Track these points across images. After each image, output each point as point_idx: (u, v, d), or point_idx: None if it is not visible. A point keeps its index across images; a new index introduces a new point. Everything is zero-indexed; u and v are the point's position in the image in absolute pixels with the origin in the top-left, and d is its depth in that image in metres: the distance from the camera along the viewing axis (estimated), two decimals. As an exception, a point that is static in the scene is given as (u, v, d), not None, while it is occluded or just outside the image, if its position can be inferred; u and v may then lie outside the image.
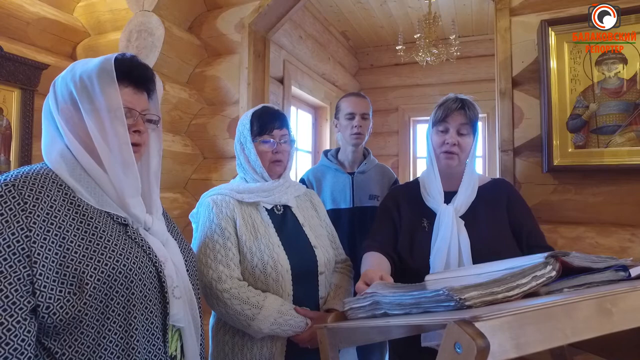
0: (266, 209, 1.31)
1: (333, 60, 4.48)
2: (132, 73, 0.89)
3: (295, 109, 3.88)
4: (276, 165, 1.32)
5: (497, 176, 1.62)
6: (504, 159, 1.62)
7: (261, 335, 1.20)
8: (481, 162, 4.39)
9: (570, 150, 1.44)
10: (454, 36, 3.42)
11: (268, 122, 1.31)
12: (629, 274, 0.72)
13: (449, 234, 1.21)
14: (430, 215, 1.29)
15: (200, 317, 0.99)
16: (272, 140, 1.30)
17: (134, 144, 0.88)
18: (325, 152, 2.00)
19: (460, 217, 1.25)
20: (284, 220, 1.32)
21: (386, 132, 4.91)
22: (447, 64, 4.09)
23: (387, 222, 1.36)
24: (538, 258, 0.65)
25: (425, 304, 0.58)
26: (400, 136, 4.82)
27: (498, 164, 1.65)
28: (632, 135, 1.38)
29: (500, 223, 1.26)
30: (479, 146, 1.68)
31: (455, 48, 3.48)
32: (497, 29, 1.70)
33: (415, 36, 3.48)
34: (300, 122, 4.02)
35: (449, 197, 1.29)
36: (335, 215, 1.79)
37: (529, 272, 0.62)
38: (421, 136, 5.01)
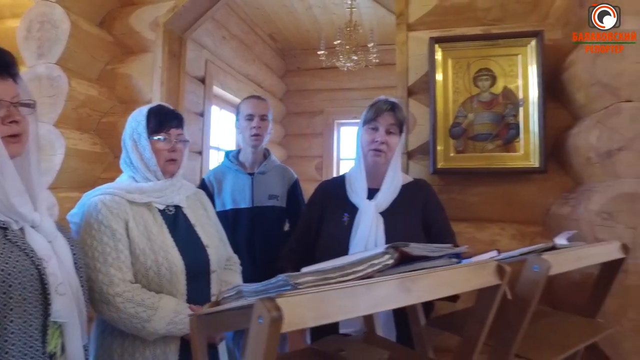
0: (158, 210, 1.30)
1: (259, 61, 4.52)
2: None
3: (218, 108, 3.86)
4: (171, 164, 1.31)
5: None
6: (400, 162, 1.77)
7: (156, 337, 1.19)
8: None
9: (452, 154, 1.62)
10: (372, 44, 3.60)
11: (166, 120, 1.31)
12: (460, 260, 0.85)
13: (368, 229, 1.31)
14: (353, 210, 1.38)
15: (87, 310, 0.99)
16: (168, 138, 1.30)
17: (13, 136, 0.86)
18: (227, 154, 2.05)
19: (381, 213, 1.35)
20: (176, 221, 1.33)
21: (311, 133, 5.04)
22: (370, 69, 4.29)
23: (308, 222, 1.45)
24: (380, 249, 0.75)
25: (271, 290, 0.66)
26: (324, 138, 4.98)
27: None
28: (500, 142, 1.59)
29: (415, 221, 1.38)
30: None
31: (374, 56, 3.67)
32: (397, 42, 1.85)
33: (335, 42, 3.62)
34: (223, 122, 4.00)
35: (372, 194, 1.38)
36: (235, 214, 1.86)
37: (367, 260, 0.71)
38: (345, 138, 5.20)
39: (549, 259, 0.79)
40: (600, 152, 1.36)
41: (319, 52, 3.75)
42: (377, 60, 3.77)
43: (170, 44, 2.22)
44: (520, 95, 1.60)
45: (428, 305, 1.33)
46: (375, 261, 0.72)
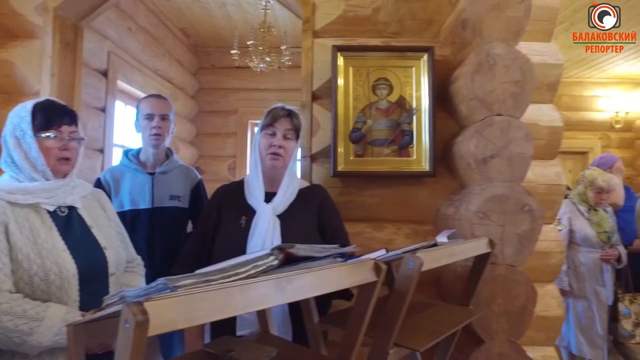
0: (48, 211, 1.21)
1: (170, 56, 4.33)
2: None
3: (123, 104, 3.64)
4: (63, 163, 1.23)
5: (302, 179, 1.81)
6: (304, 165, 1.82)
7: (39, 351, 1.09)
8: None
9: (351, 158, 1.71)
10: (285, 47, 3.64)
11: (56, 116, 1.21)
12: (346, 259, 0.91)
13: (265, 231, 1.33)
14: (250, 213, 1.38)
15: None
16: (59, 136, 1.21)
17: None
18: (126, 152, 1.96)
19: (278, 216, 1.37)
20: (70, 223, 1.25)
21: (224, 133, 4.95)
22: (285, 71, 4.32)
23: (205, 226, 1.43)
24: (264, 250, 0.78)
25: (152, 294, 0.65)
26: (238, 138, 4.92)
27: (300, 169, 1.85)
28: (395, 148, 1.71)
29: (311, 223, 1.43)
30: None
31: (287, 58, 3.71)
32: (303, 48, 1.90)
33: (248, 42, 3.60)
34: (129, 118, 3.77)
35: (270, 197, 1.40)
36: (133, 215, 1.79)
37: (251, 262, 0.74)
38: (260, 139, 5.18)
39: (422, 256, 0.88)
40: (477, 159, 1.53)
41: (232, 52, 3.70)
42: (290, 63, 3.82)
43: (62, 32, 2.05)
44: (414, 104, 1.74)
45: (325, 304, 1.39)
46: (260, 262, 0.75)
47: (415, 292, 1.70)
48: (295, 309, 1.24)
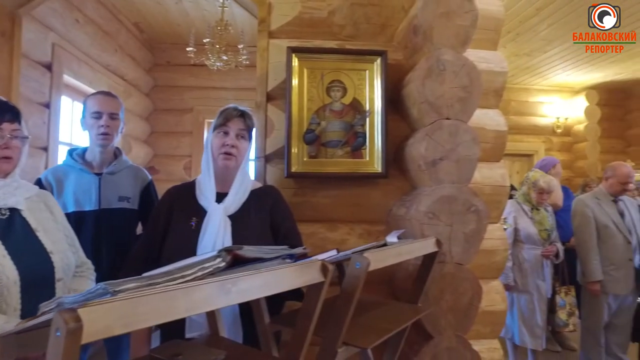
0: None
1: (122, 51, 4.17)
2: None
3: (70, 99, 3.46)
4: (4, 162, 1.17)
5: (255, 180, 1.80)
6: (258, 165, 1.81)
7: None
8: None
9: (305, 159, 1.72)
10: (242, 46, 3.60)
11: None
12: (295, 260, 0.91)
13: (216, 232, 1.31)
14: (201, 214, 1.36)
15: None
16: (0, 134, 1.15)
17: None
18: (70, 151, 1.87)
19: (229, 216, 1.35)
20: (11, 226, 1.18)
21: (180, 132, 4.84)
22: (242, 70, 4.28)
23: (154, 228, 1.40)
24: (212, 252, 0.77)
25: (91, 299, 0.63)
26: (194, 137, 4.82)
27: (254, 170, 1.83)
28: (349, 149, 1.74)
29: (264, 224, 1.42)
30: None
31: (244, 57, 3.67)
32: (258, 48, 1.89)
33: (204, 40, 3.53)
34: (77, 115, 3.60)
35: (222, 198, 1.38)
36: (78, 217, 1.71)
37: (198, 264, 0.73)
38: (217, 138, 5.10)
39: (369, 256, 0.90)
40: (427, 161, 1.58)
41: (187, 49, 3.61)
42: (247, 62, 3.78)
43: (-2, 21, 1.93)
44: (367, 107, 1.78)
45: (278, 304, 1.39)
46: (207, 264, 0.74)
47: (368, 292, 1.73)
48: (247, 310, 1.24)
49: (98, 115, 1.79)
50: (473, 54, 1.99)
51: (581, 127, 6.81)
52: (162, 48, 5.00)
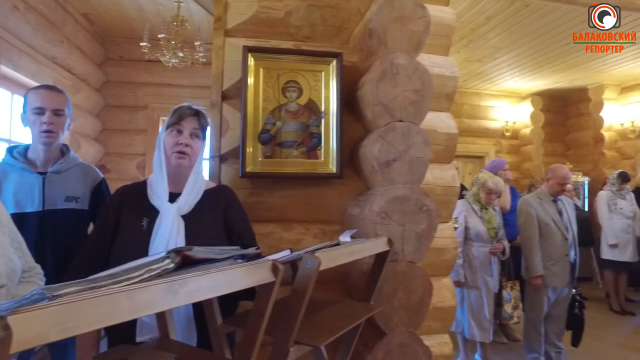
0: None
1: (69, 43, 3.97)
2: None
3: (9, 92, 3.26)
4: None
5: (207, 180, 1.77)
6: (212, 165, 1.79)
7: None
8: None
9: (260, 159, 1.72)
10: (199, 43, 3.53)
11: None
12: (247, 260, 0.91)
13: (168, 232, 1.27)
14: (153, 214, 1.32)
15: None
16: None
17: None
18: (10, 150, 1.76)
19: (182, 216, 1.32)
20: None
21: (133, 129, 4.67)
22: (200, 67, 4.18)
23: (102, 229, 1.34)
24: (160, 254, 0.76)
25: (26, 305, 0.60)
26: (148, 135, 4.66)
27: (209, 169, 1.80)
28: (304, 150, 1.75)
29: (217, 224, 1.40)
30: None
31: (201, 55, 3.60)
32: (214, 46, 1.86)
33: (159, 36, 3.43)
34: (17, 109, 3.39)
35: (175, 198, 1.35)
36: (19, 219, 1.61)
37: (145, 266, 0.71)
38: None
39: (321, 256, 0.91)
40: (381, 162, 1.62)
41: (141, 44, 3.49)
42: (204, 60, 3.71)
43: None
44: (323, 108, 1.79)
45: (232, 305, 1.38)
46: (154, 266, 0.73)
47: (324, 291, 1.75)
48: (202, 312, 1.22)
49: (40, 111, 1.70)
50: (426, 59, 2.06)
51: (527, 131, 7.21)
52: (114, 42, 4.80)
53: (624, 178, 5.15)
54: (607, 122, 6.77)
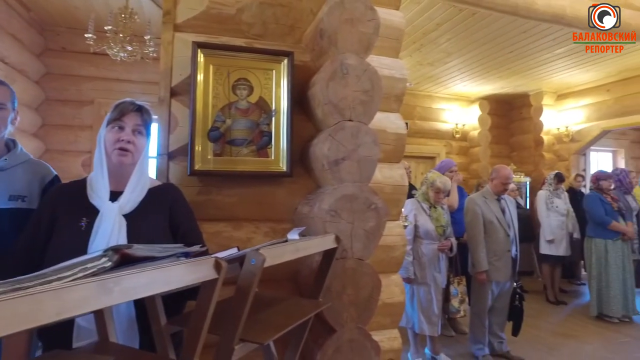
0: None
1: (2, 31, 3.71)
2: None
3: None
4: None
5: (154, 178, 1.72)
6: (160, 162, 1.74)
7: None
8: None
9: (209, 157, 1.69)
10: (149, 37, 3.42)
11: None
12: (190, 258, 0.90)
13: (109, 232, 1.21)
14: (93, 214, 1.26)
15: None
16: None
17: None
18: None
19: (125, 215, 1.27)
20: None
21: (77, 125, 4.44)
22: (150, 62, 4.04)
23: (35, 230, 1.27)
24: (97, 252, 0.73)
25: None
26: (94, 131, 4.45)
27: (156, 167, 1.75)
28: (254, 148, 1.74)
29: (162, 223, 1.35)
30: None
31: (152, 49, 3.48)
32: (162, 41, 1.81)
33: (106, 28, 3.28)
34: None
35: (117, 197, 1.29)
36: None
37: (79, 265, 0.69)
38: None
39: (265, 253, 0.91)
40: (330, 161, 1.64)
41: (86, 35, 3.33)
42: (155, 55, 3.59)
43: None
44: (273, 106, 1.79)
45: (180, 306, 1.35)
46: (90, 265, 0.70)
47: (273, 289, 1.75)
48: (146, 313, 1.18)
49: None
50: (376, 60, 2.11)
51: (475, 133, 7.56)
52: (56, 32, 4.53)
53: (559, 178, 5.52)
54: (546, 127, 7.26)
